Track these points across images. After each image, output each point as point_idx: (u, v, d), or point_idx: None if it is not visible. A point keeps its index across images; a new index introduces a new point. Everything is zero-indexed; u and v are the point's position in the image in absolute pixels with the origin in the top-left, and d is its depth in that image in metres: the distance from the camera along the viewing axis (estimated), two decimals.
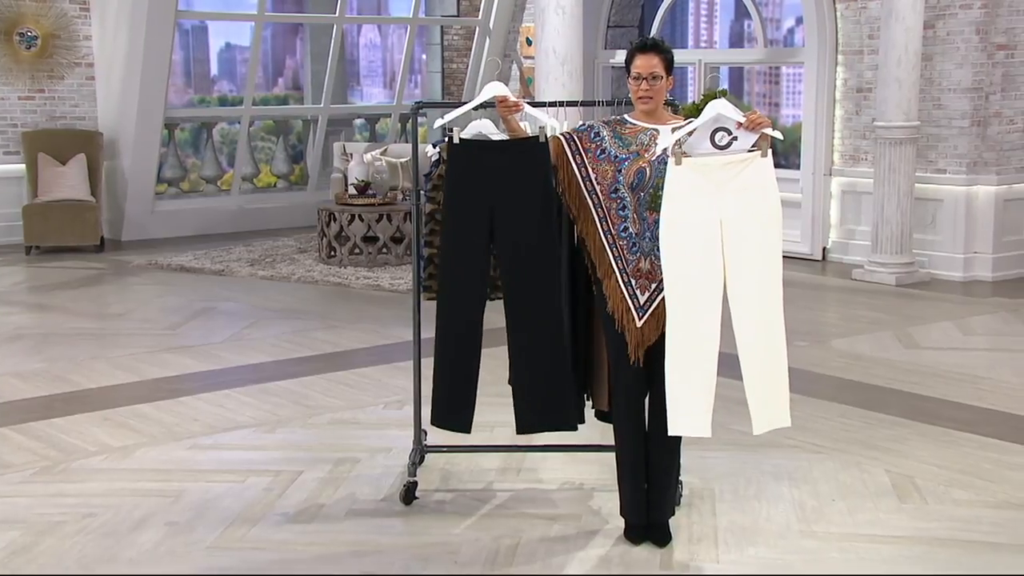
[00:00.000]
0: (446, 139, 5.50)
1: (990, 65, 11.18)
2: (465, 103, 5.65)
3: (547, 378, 5.10)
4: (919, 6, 10.81)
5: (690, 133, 4.71)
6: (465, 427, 5.29)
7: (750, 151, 4.67)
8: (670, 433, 4.78)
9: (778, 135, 4.71)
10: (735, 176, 4.65)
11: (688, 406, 4.71)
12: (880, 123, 11.06)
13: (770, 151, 4.68)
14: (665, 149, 4.70)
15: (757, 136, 4.66)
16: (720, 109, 4.65)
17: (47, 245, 12.65)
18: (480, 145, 5.14)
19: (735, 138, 4.67)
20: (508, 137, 5.16)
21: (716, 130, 4.68)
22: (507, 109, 5.04)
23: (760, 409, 4.77)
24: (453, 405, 5.26)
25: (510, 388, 5.52)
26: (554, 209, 5.02)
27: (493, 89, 5.11)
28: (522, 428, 5.25)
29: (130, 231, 13.61)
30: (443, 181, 5.18)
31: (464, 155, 5.09)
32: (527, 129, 5.18)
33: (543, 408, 5.15)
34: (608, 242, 4.88)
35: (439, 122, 5.37)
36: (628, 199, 4.84)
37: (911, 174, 11.06)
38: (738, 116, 4.66)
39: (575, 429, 5.24)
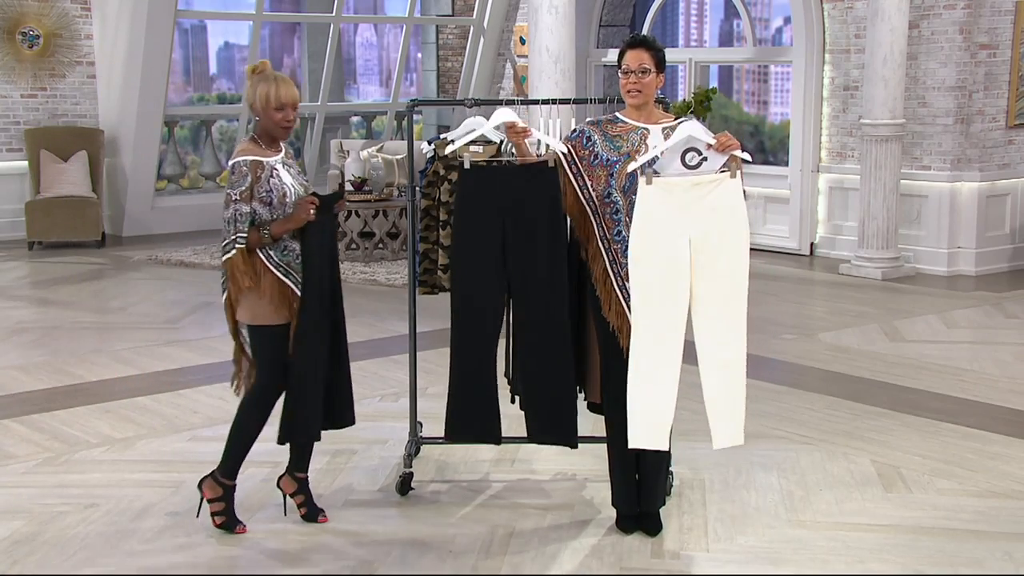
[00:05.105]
0: (441, 137, 5.60)
1: (973, 64, 11.28)
2: (460, 101, 5.76)
3: (554, 397, 5.15)
4: (904, 6, 10.91)
5: (661, 155, 4.77)
6: (493, 439, 5.34)
7: (720, 172, 4.73)
8: (630, 446, 4.85)
9: (747, 157, 4.77)
10: (704, 196, 4.70)
11: (647, 420, 4.78)
12: (866, 121, 11.15)
13: (739, 172, 4.75)
14: (644, 164, 4.78)
15: (727, 158, 4.74)
16: (691, 131, 4.72)
17: (49, 240, 12.73)
18: (491, 170, 5.17)
19: (705, 159, 4.73)
20: (515, 156, 5.19)
21: (687, 150, 4.74)
22: (516, 135, 5.08)
23: (719, 425, 4.84)
24: (468, 422, 5.29)
25: (506, 380, 5.63)
26: (564, 232, 5.07)
27: (502, 115, 5.16)
28: (530, 440, 5.33)
29: (131, 227, 13.69)
30: (454, 206, 5.21)
31: (475, 179, 5.12)
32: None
33: (550, 425, 5.22)
34: (604, 247, 4.94)
35: (451, 147, 5.35)
36: (620, 203, 4.90)
37: (897, 171, 11.16)
38: (709, 138, 4.73)
39: (576, 447, 5.30)
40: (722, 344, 4.77)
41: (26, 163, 13.12)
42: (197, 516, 5.15)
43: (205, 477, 5.14)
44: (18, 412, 6.84)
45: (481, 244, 5.11)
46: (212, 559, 4.84)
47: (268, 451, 6.09)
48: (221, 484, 5.10)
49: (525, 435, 5.29)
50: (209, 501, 5.10)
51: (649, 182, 4.69)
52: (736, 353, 4.80)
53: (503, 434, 6.22)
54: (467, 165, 5.12)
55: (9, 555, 4.85)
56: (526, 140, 5.11)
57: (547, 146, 5.16)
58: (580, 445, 5.90)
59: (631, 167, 4.82)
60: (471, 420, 5.28)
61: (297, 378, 4.97)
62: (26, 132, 13.07)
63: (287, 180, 4.93)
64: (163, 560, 4.82)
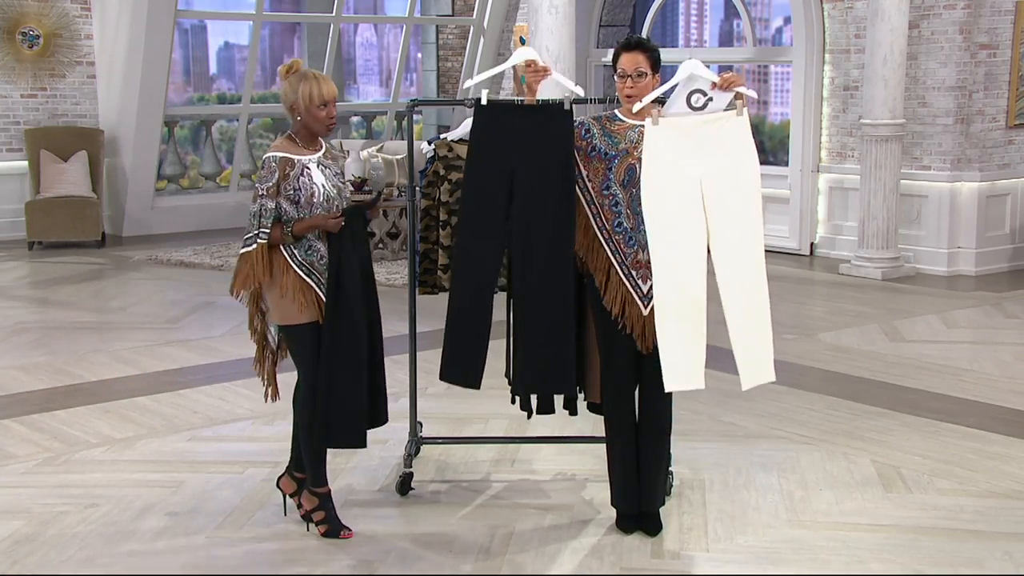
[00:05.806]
0: (441, 137, 5.60)
1: (973, 64, 11.27)
2: (460, 101, 5.75)
3: (553, 340, 5.01)
4: (904, 6, 10.90)
5: (665, 95, 4.78)
6: (473, 383, 5.17)
7: (726, 111, 4.73)
8: (666, 389, 4.79)
9: (752, 93, 4.77)
10: (712, 135, 4.71)
11: (681, 362, 4.73)
12: (866, 121, 11.14)
13: (745, 110, 4.74)
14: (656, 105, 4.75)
15: (732, 95, 4.73)
16: (693, 69, 4.71)
17: (49, 241, 12.71)
18: (505, 108, 5.11)
19: (710, 99, 4.73)
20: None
21: (692, 92, 4.73)
22: (535, 75, 5.05)
23: (747, 365, 4.80)
24: (463, 362, 5.18)
25: (506, 381, 5.59)
26: (574, 175, 4.98)
27: (523, 54, 5.09)
28: (523, 386, 5.18)
29: (131, 227, 13.68)
30: (468, 141, 5.14)
31: (489, 117, 5.05)
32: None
33: (546, 370, 5.05)
34: (604, 237, 4.93)
35: (470, 81, 5.37)
36: (620, 196, 4.90)
37: (897, 171, 11.15)
38: (712, 76, 4.72)
39: (574, 395, 5.21)
40: (743, 283, 4.76)
41: (26, 163, 13.10)
42: (284, 513, 5.23)
43: (302, 491, 5.16)
44: (18, 412, 6.83)
45: (490, 179, 5.03)
46: (212, 559, 4.83)
47: (268, 451, 6.13)
48: (315, 494, 5.11)
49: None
50: (311, 513, 5.11)
51: (656, 122, 4.69)
52: (758, 291, 4.78)
53: (503, 433, 6.25)
54: (484, 101, 5.06)
55: (9, 555, 4.85)
56: (544, 80, 5.06)
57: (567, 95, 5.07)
58: (580, 445, 5.93)
59: (636, 107, 4.81)
60: (457, 361, 5.18)
61: (325, 380, 4.97)
62: (26, 132, 13.06)
63: (318, 180, 4.93)
64: (163, 560, 4.81)
